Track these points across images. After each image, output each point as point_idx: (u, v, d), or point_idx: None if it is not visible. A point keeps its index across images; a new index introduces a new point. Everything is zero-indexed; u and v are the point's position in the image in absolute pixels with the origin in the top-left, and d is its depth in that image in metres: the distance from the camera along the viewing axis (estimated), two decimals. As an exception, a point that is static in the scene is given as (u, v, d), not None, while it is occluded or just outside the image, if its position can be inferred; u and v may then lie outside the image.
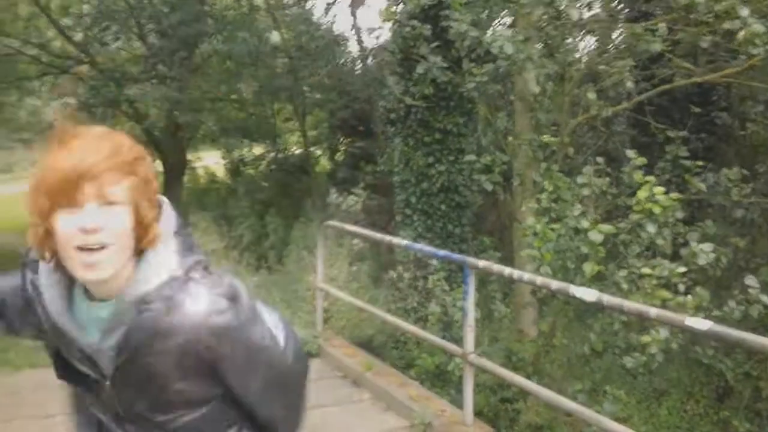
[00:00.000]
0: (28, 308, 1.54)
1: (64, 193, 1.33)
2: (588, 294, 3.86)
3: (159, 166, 18.33)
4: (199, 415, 1.51)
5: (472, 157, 7.92)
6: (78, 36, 15.62)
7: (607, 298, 3.87)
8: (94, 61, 15.40)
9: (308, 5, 15.86)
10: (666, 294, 5.19)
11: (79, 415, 1.63)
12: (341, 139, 16.56)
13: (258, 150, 17.84)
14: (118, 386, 1.47)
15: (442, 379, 7.04)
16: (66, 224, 1.34)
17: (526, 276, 4.61)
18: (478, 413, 4.90)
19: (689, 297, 5.21)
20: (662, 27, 6.91)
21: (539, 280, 4.41)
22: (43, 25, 15.25)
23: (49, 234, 1.37)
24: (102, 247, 1.35)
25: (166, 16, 13.66)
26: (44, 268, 1.49)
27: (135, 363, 1.43)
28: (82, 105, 14.93)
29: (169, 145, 16.72)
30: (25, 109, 18.34)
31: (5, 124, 19.00)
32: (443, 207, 9.89)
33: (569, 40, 8.53)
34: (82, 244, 1.34)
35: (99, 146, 1.37)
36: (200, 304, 1.40)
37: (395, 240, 6.64)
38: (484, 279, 7.76)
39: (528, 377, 4.73)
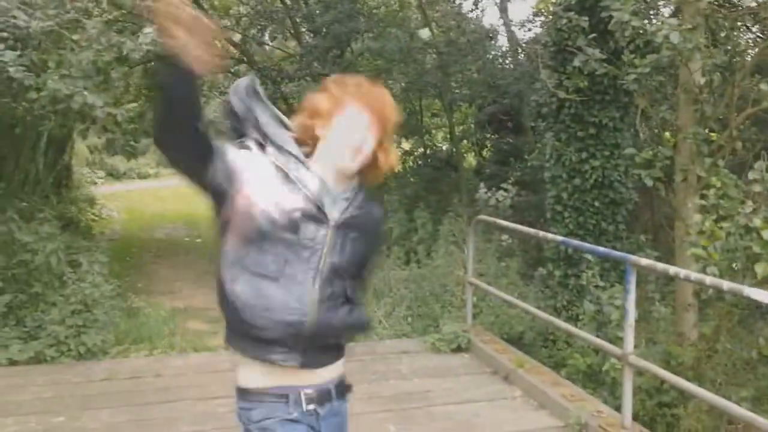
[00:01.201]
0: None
1: (379, 116, 2.14)
2: (765, 296, 3.64)
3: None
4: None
5: (632, 151, 7.61)
6: (237, 36, 16.46)
7: (786, 302, 3.64)
8: (252, 60, 16.20)
9: (458, 0, 15.78)
10: None
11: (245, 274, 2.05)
12: (489, 135, 16.44)
13: (406, 145, 18.07)
14: (337, 232, 2.09)
15: (594, 380, 6.85)
16: (354, 131, 2.12)
17: (693, 276, 4.40)
18: (634, 417, 4.74)
19: None
20: None
21: (708, 280, 4.20)
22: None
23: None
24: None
25: (319, 15, 14.12)
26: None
27: (355, 217, 2.14)
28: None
29: (321, 141, 17.22)
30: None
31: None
32: (596, 203, 9.59)
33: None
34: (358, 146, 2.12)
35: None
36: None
37: (550, 236, 6.53)
38: (639, 279, 7.43)
39: (688, 381, 4.52)
